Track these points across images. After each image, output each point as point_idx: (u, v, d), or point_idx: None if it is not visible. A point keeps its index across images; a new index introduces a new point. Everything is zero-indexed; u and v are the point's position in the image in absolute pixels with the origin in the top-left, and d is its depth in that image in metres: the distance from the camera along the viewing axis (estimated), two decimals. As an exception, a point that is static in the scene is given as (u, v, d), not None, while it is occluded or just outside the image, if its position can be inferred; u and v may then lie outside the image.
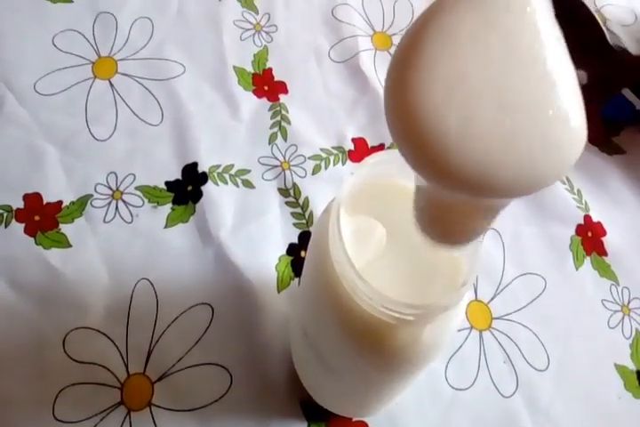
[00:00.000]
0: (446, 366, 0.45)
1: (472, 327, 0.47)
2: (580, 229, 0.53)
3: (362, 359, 0.30)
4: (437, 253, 0.30)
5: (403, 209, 0.30)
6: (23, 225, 0.46)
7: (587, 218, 0.54)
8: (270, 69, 0.56)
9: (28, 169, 0.48)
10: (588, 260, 0.52)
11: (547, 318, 0.49)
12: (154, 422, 0.41)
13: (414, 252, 0.31)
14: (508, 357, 0.47)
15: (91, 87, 0.53)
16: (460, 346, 0.46)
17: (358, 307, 0.28)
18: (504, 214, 0.53)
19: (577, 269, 0.51)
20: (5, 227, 0.46)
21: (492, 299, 0.49)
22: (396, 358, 0.30)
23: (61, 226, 0.46)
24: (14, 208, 0.47)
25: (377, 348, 0.29)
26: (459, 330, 0.47)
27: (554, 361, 0.47)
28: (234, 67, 0.56)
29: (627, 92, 0.54)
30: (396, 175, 0.31)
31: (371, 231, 0.31)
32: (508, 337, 0.47)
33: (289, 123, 0.54)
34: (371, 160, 0.30)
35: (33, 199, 0.47)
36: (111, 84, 0.53)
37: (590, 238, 0.53)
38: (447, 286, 0.29)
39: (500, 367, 0.46)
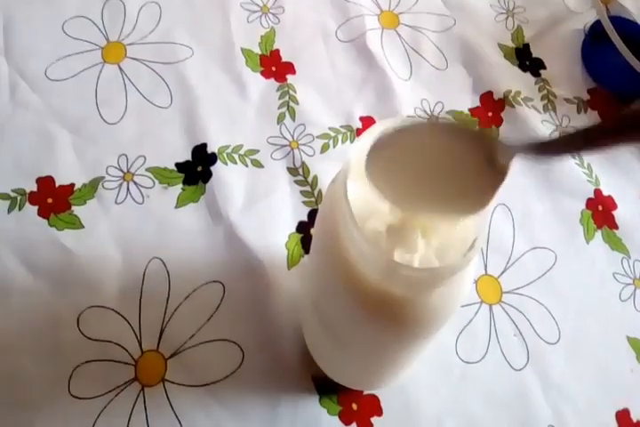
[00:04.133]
0: (457, 340, 0.46)
1: (482, 301, 0.47)
2: (591, 203, 0.53)
3: (371, 327, 0.31)
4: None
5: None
6: (36, 208, 0.47)
7: (597, 192, 0.54)
8: (278, 50, 0.56)
9: (41, 153, 0.49)
10: (598, 233, 0.52)
11: (557, 291, 0.49)
12: (167, 397, 0.42)
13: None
14: (519, 330, 0.47)
15: (100, 72, 0.53)
16: (471, 320, 0.46)
17: (366, 274, 0.28)
18: (514, 189, 0.53)
19: (588, 242, 0.51)
20: (19, 210, 0.47)
21: (503, 273, 0.49)
22: (405, 324, 0.30)
23: (74, 208, 0.47)
24: (28, 191, 0.47)
25: (386, 314, 0.29)
26: (469, 304, 0.47)
27: (565, 334, 0.47)
28: (241, 48, 0.56)
29: (637, 66, 0.54)
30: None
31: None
32: (519, 311, 0.47)
33: (297, 103, 0.54)
34: (376, 128, 0.30)
35: (46, 182, 0.48)
36: (120, 69, 0.53)
37: (601, 212, 0.53)
38: (455, 251, 0.29)
39: (511, 341, 0.46)
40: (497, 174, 0.26)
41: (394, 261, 0.26)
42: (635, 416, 0.45)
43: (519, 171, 0.53)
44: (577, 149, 0.24)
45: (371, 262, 0.27)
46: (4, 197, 0.47)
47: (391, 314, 0.29)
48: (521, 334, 0.47)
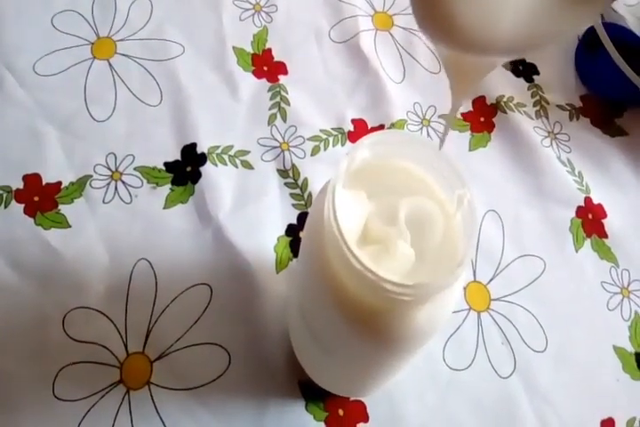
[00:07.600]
0: (444, 347, 0.46)
1: (470, 308, 0.47)
2: (581, 211, 0.53)
3: (356, 341, 0.30)
4: (434, 232, 0.30)
5: (398, 188, 0.30)
6: (23, 206, 0.46)
7: (587, 200, 0.54)
8: (270, 50, 0.56)
9: (28, 150, 0.48)
10: (588, 242, 0.52)
11: (545, 299, 0.49)
12: (152, 400, 0.41)
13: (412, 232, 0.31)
14: (506, 338, 0.47)
15: (90, 68, 0.52)
16: (459, 327, 0.46)
17: (354, 288, 0.27)
18: (504, 196, 0.53)
19: (577, 251, 0.51)
20: (5, 207, 0.46)
21: (491, 280, 0.49)
22: (391, 339, 0.30)
23: (61, 206, 0.46)
24: (14, 189, 0.47)
25: (371, 329, 0.29)
26: (457, 311, 0.47)
27: (552, 343, 0.47)
28: (233, 47, 0.55)
29: (630, 73, 0.54)
30: (391, 155, 0.31)
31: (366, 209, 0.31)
32: (507, 318, 0.47)
33: (288, 104, 0.53)
34: (366, 140, 0.30)
35: (32, 180, 0.47)
36: (110, 65, 0.53)
37: (591, 220, 0.53)
38: (444, 267, 0.29)
39: (498, 348, 0.46)
40: None
41: (380, 276, 0.25)
42: (619, 426, 0.45)
43: (510, 178, 0.53)
44: None
45: (356, 276, 0.26)
46: (-10, 194, 0.46)
47: (376, 329, 0.29)
48: (508, 341, 0.47)
